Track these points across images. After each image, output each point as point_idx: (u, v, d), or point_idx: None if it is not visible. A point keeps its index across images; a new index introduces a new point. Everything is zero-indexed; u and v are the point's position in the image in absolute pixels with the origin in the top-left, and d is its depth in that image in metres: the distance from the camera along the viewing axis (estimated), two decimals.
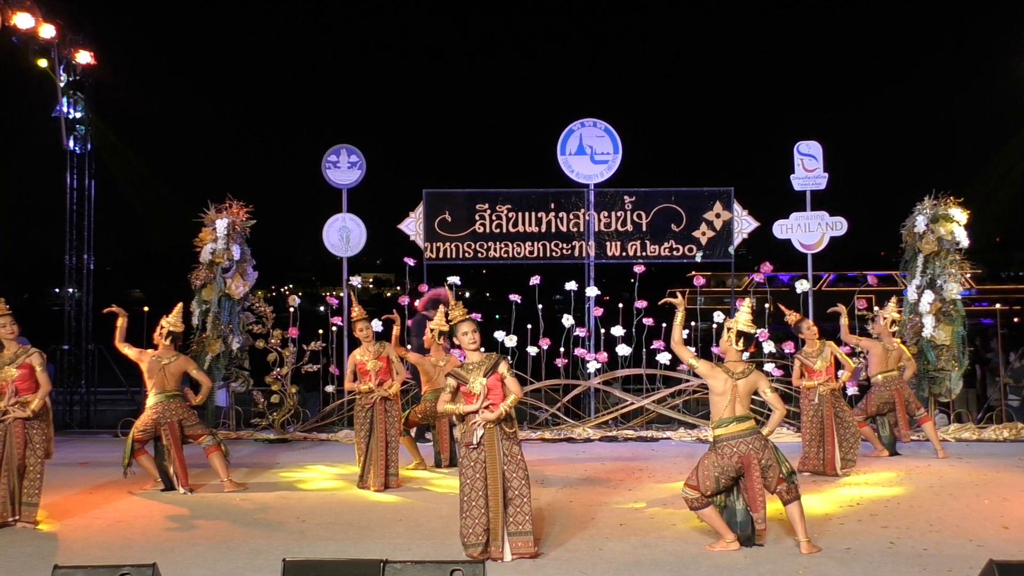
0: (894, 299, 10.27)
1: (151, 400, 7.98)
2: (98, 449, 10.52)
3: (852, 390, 10.79)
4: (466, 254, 12.35)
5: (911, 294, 11.15)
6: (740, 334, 6.07)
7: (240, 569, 5.65)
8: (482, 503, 5.73)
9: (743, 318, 6.14)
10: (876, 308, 10.54)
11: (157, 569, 3.69)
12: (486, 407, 5.76)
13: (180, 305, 8.47)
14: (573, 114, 12.51)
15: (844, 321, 9.76)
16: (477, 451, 5.77)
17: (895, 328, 9.97)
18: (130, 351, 8.07)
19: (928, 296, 10.92)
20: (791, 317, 9.16)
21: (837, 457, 8.52)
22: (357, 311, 8.69)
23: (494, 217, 12.36)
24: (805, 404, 8.77)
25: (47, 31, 11.85)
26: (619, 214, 12.29)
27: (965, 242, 11.13)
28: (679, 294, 6.36)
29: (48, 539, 6.49)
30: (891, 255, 12.23)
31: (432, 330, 9.35)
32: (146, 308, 13.75)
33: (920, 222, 11.17)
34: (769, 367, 11.28)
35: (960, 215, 11.20)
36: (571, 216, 12.31)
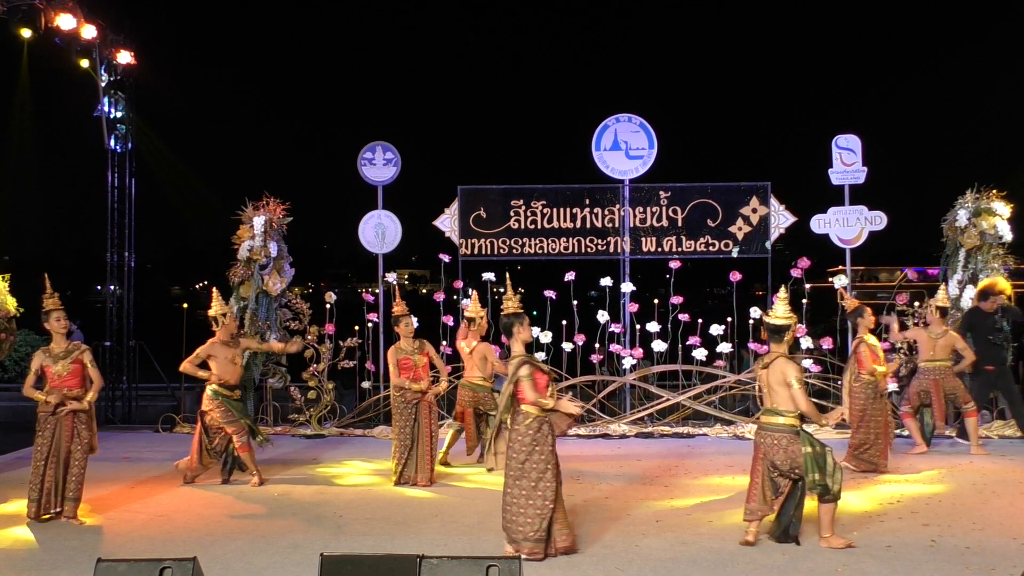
0: (943, 287, 10.09)
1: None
2: (140, 444, 10.67)
3: (892, 386, 10.64)
4: (501, 250, 12.34)
5: (953, 289, 10.98)
6: (769, 327, 6.03)
7: (279, 563, 5.71)
8: (553, 496, 5.71)
9: (779, 310, 6.06)
10: (916, 303, 10.40)
11: (197, 563, 3.73)
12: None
13: (215, 290, 8.63)
14: (608, 110, 12.41)
15: (895, 326, 9.64)
16: (552, 448, 5.74)
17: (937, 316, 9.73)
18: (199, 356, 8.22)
19: (970, 291, 10.75)
20: (849, 303, 8.92)
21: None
22: (400, 307, 8.59)
23: (529, 213, 12.34)
24: (856, 399, 8.51)
25: (88, 32, 12.01)
26: (654, 209, 12.22)
27: (1008, 236, 10.96)
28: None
29: (91, 533, 6.60)
30: (932, 250, 12.02)
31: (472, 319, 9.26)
32: (184, 304, 13.89)
33: (962, 216, 11.01)
34: (807, 363, 11.15)
35: (1003, 209, 11.04)
36: (606, 212, 12.26)
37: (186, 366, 8.16)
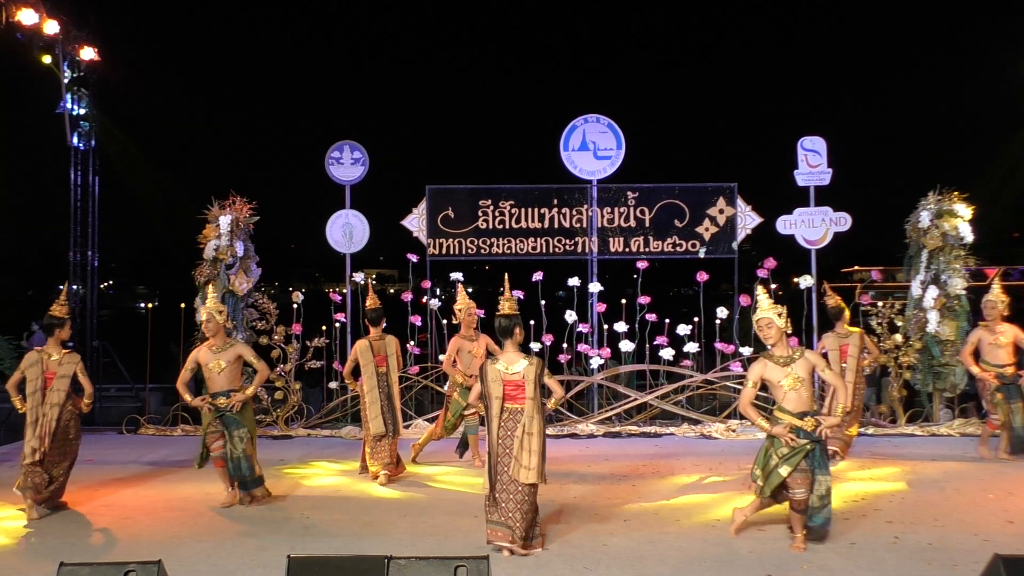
0: (998, 282, 9.83)
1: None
2: (104, 446, 10.53)
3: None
4: (469, 250, 12.33)
5: (915, 289, 11.14)
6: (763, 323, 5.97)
7: (245, 565, 5.66)
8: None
9: (763, 304, 6.01)
10: (881, 303, 10.48)
11: (162, 566, 3.69)
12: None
13: (210, 287, 8.57)
14: (576, 110, 12.45)
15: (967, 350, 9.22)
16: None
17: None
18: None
19: (932, 291, 10.91)
20: (831, 300, 9.06)
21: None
22: (371, 300, 8.65)
23: (497, 213, 12.34)
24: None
25: (51, 27, 11.85)
26: (622, 210, 12.27)
27: (969, 237, 11.13)
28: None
29: (54, 536, 6.51)
30: (895, 250, 12.17)
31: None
32: (150, 304, 13.71)
33: (924, 217, 11.16)
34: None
35: (964, 210, 11.20)
36: (574, 212, 12.29)
37: (179, 385, 7.64)
